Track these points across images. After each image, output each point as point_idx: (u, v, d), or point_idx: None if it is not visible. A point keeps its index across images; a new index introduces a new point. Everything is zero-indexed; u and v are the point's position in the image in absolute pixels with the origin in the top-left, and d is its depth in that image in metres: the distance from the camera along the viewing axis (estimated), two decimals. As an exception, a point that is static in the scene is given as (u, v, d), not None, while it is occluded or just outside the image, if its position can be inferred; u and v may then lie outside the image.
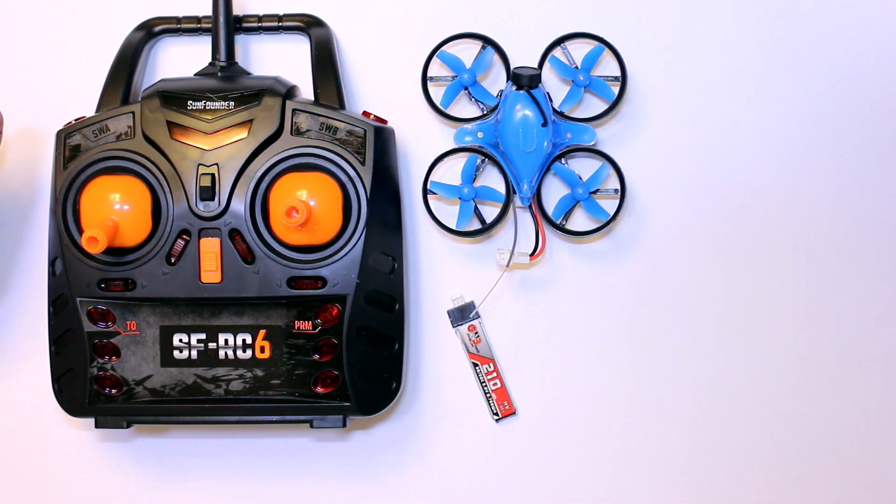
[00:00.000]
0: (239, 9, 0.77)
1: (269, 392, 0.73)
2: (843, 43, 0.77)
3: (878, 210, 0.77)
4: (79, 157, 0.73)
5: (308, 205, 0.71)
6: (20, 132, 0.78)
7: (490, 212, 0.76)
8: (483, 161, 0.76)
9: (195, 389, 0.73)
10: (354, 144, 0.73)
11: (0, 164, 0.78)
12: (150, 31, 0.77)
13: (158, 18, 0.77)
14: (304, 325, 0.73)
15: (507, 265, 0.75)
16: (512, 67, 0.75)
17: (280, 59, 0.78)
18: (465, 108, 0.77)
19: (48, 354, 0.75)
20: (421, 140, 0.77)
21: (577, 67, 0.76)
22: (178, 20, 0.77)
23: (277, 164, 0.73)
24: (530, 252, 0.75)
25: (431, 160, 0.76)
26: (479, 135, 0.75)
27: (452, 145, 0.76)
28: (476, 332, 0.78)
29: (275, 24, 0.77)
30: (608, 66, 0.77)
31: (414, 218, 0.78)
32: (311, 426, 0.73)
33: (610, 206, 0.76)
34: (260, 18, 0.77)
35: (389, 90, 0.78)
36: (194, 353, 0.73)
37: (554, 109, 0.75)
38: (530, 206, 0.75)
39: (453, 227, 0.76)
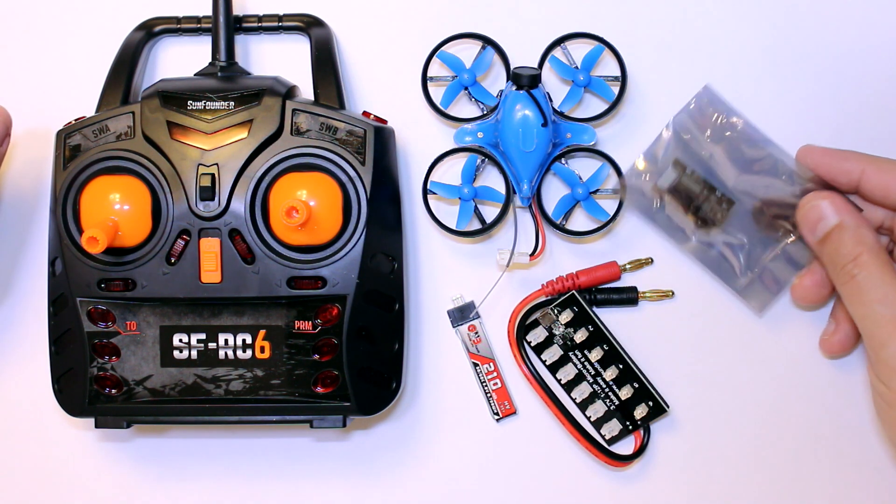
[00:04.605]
0: (239, 9, 0.77)
1: (269, 392, 0.73)
2: (844, 43, 0.77)
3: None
4: (79, 157, 0.73)
5: (308, 205, 0.71)
6: (20, 132, 0.78)
7: (490, 212, 0.76)
8: (483, 161, 0.76)
9: (195, 389, 0.73)
10: (354, 144, 0.73)
11: (5, 165, 0.78)
12: (150, 31, 0.77)
13: (158, 18, 0.77)
14: (304, 325, 0.73)
15: (507, 265, 0.75)
16: (512, 67, 0.75)
17: (280, 59, 0.78)
18: (465, 108, 0.77)
19: (48, 354, 0.75)
20: (421, 140, 0.78)
21: (577, 67, 0.76)
22: (178, 20, 0.77)
23: (277, 164, 0.73)
24: (530, 252, 0.75)
25: (431, 160, 0.76)
26: (479, 135, 0.75)
27: (452, 145, 0.76)
28: (476, 332, 0.78)
29: (275, 24, 0.77)
30: (608, 66, 0.77)
31: (414, 218, 0.78)
32: (311, 426, 0.74)
33: (610, 206, 0.76)
34: (260, 18, 0.77)
35: (389, 90, 0.78)
36: (194, 353, 0.73)
37: (554, 109, 0.75)
38: (530, 206, 0.75)
39: (453, 227, 0.76)
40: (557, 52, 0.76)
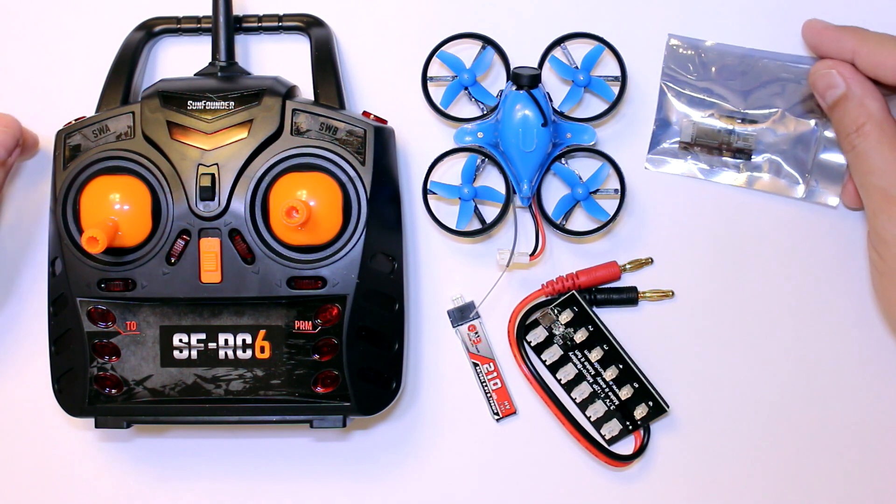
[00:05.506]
0: (239, 9, 0.77)
1: (269, 392, 0.73)
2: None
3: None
4: (79, 157, 0.73)
5: (308, 205, 0.71)
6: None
7: (490, 212, 0.76)
8: (483, 161, 0.76)
9: (195, 389, 0.73)
10: (354, 144, 0.73)
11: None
12: (150, 31, 0.77)
13: (158, 18, 0.77)
14: (304, 325, 0.73)
15: (507, 265, 0.75)
16: (512, 67, 0.75)
17: (280, 59, 0.78)
18: (465, 108, 0.77)
19: (48, 354, 0.75)
20: (421, 140, 0.77)
21: (577, 67, 0.76)
22: (178, 20, 0.77)
23: (277, 164, 0.73)
24: (530, 252, 0.75)
25: (431, 160, 0.76)
26: (479, 135, 0.75)
27: (452, 145, 0.76)
28: (476, 332, 0.78)
29: (275, 24, 0.77)
30: (608, 66, 0.77)
31: (414, 218, 0.78)
32: (311, 426, 0.74)
33: (610, 206, 0.76)
34: (260, 18, 0.77)
35: (389, 90, 0.78)
36: (194, 353, 0.73)
37: (554, 109, 0.75)
38: (530, 206, 0.75)
39: (453, 227, 0.76)
40: (557, 52, 0.76)
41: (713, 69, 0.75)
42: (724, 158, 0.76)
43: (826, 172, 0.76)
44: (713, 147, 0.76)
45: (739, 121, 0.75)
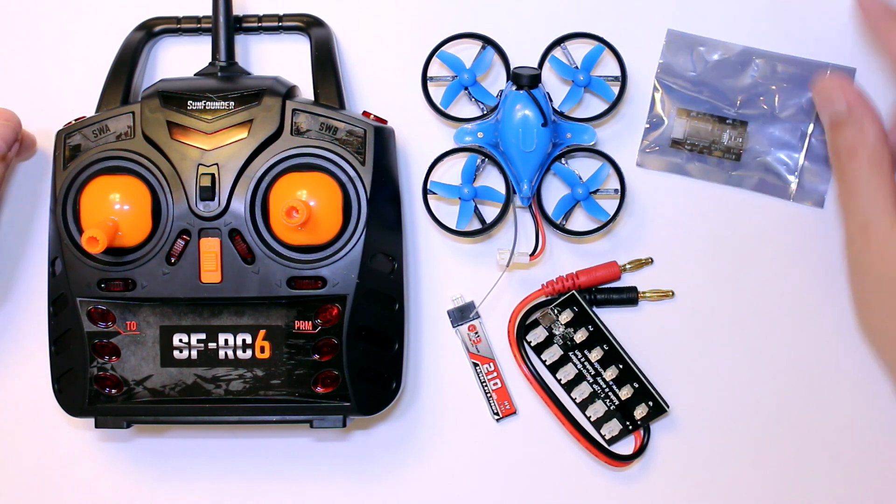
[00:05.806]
0: (239, 9, 0.77)
1: (269, 392, 0.73)
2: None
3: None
4: (79, 157, 0.73)
5: (308, 205, 0.71)
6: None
7: (490, 212, 0.76)
8: (483, 161, 0.76)
9: (195, 389, 0.73)
10: (354, 144, 0.73)
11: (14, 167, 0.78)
12: (150, 31, 0.77)
13: (158, 18, 0.77)
14: (304, 325, 0.73)
15: (507, 265, 0.75)
16: (512, 67, 0.75)
17: (280, 59, 0.78)
18: (465, 108, 0.77)
19: (48, 354, 0.75)
20: (421, 140, 0.77)
21: (577, 67, 0.76)
22: (178, 20, 0.77)
23: (277, 164, 0.73)
24: (530, 252, 0.75)
25: (431, 160, 0.76)
26: (479, 135, 0.75)
27: (452, 145, 0.76)
28: (476, 332, 0.78)
29: (275, 24, 0.77)
30: (608, 66, 0.77)
31: (414, 218, 0.78)
32: (311, 426, 0.74)
33: (610, 206, 0.76)
34: (260, 18, 0.77)
35: (389, 90, 0.78)
36: (194, 353, 0.73)
37: (554, 109, 0.75)
38: (530, 206, 0.75)
39: (453, 227, 0.76)
40: (557, 52, 0.76)
41: (706, 69, 0.75)
42: (714, 158, 0.76)
43: (815, 174, 0.76)
44: (703, 146, 0.76)
45: (730, 121, 0.75)
